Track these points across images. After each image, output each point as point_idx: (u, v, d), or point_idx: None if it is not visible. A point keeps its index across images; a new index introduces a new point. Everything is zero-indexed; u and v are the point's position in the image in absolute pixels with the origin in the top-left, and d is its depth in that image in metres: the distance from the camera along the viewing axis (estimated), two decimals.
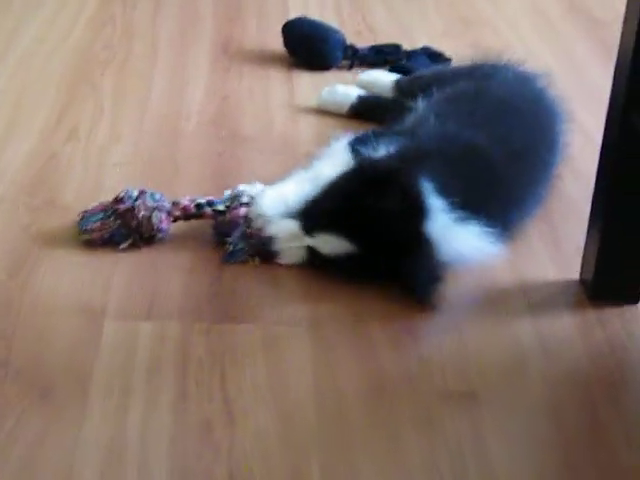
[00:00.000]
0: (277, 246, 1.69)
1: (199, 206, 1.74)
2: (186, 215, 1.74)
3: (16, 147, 2.03)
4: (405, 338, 1.59)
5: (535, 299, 1.68)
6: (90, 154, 2.01)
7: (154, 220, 1.71)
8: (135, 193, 1.74)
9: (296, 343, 1.57)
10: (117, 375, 1.48)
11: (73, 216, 1.79)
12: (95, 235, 1.72)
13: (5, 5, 2.63)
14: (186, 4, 2.65)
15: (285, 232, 1.68)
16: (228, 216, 1.72)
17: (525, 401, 1.48)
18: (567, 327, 1.62)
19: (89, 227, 1.72)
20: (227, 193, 1.75)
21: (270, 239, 1.68)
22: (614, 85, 1.58)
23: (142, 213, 1.71)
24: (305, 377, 1.50)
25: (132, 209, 1.71)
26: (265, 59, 2.38)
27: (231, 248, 1.71)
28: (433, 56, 2.37)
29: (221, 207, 1.73)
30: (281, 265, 1.72)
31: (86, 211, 1.75)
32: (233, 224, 1.71)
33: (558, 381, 1.51)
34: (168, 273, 1.69)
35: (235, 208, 1.72)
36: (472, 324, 1.62)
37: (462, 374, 1.52)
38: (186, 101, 2.20)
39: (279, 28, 2.38)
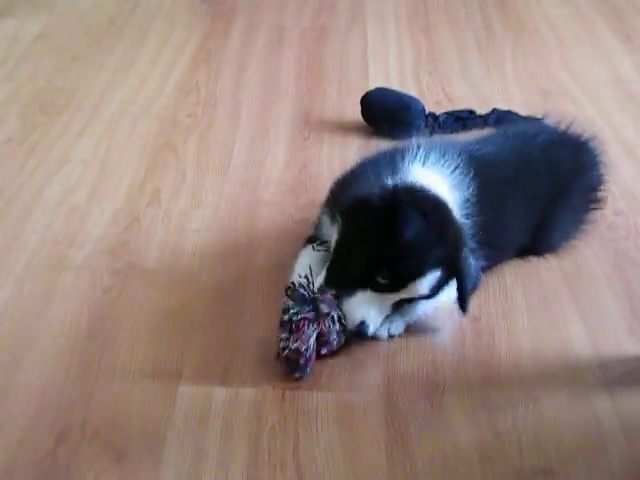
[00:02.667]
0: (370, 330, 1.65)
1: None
2: None
3: (100, 209, 2.08)
4: (480, 411, 1.57)
5: (612, 375, 1.65)
6: (171, 219, 2.05)
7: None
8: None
9: (370, 412, 1.56)
10: (190, 440, 1.50)
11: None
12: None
13: (96, 68, 2.71)
14: (268, 74, 2.70)
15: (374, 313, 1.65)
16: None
17: None
18: None
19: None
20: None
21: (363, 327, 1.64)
22: None
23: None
24: (378, 449, 1.49)
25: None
26: (345, 128, 2.40)
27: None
28: (503, 115, 2.40)
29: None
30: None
31: (302, 359, 1.61)
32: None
33: (638, 462, 1.47)
34: (243, 340, 1.70)
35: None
36: (548, 397, 1.60)
37: (538, 450, 1.49)
38: (266, 169, 2.23)
39: (359, 97, 2.40)
